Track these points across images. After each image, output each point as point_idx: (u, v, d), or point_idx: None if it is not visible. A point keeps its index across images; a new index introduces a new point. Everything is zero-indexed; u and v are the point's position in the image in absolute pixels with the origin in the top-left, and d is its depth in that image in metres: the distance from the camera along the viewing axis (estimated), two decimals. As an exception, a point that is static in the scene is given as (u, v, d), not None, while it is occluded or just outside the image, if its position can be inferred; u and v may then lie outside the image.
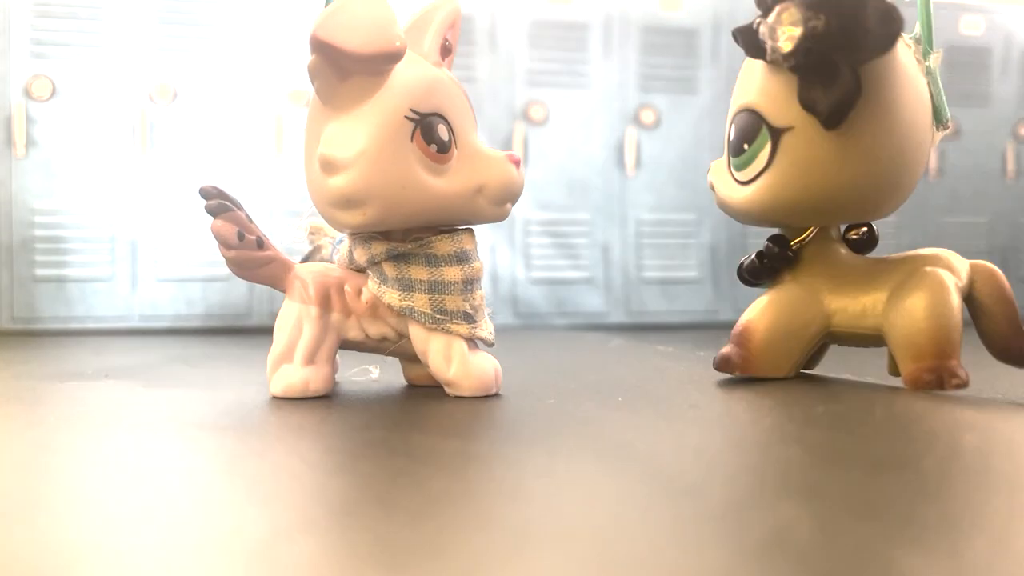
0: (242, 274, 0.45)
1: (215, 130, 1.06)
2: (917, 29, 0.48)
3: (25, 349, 0.79)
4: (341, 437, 0.35)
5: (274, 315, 0.45)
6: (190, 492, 0.26)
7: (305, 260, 0.48)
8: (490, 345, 0.46)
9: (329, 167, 0.41)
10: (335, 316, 0.44)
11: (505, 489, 0.26)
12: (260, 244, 0.44)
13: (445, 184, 0.43)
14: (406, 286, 0.44)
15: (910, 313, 0.45)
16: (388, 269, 0.44)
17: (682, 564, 0.19)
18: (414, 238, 0.44)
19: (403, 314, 0.44)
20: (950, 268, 0.47)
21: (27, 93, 1.02)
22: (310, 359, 0.44)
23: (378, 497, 0.25)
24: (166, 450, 0.32)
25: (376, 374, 0.52)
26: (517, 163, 0.45)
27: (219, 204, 0.44)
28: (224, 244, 0.44)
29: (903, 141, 0.46)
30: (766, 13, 0.44)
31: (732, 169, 0.50)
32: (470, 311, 0.44)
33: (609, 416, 0.39)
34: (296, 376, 0.44)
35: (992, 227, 1.28)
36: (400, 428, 0.37)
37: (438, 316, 0.43)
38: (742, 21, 0.46)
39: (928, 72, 0.47)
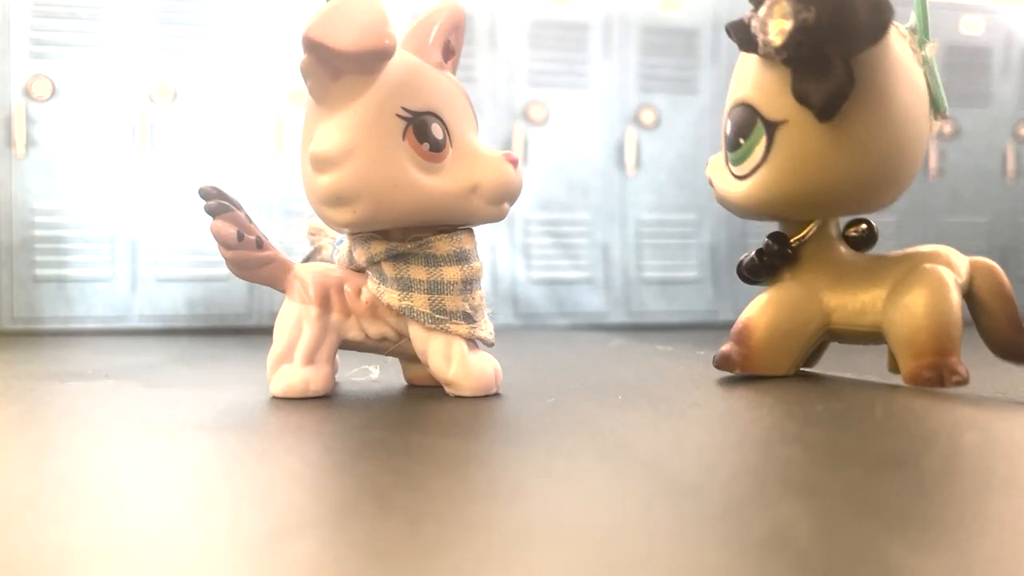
0: (242, 274, 0.45)
1: (215, 130, 1.06)
2: (912, 19, 0.48)
3: (25, 349, 0.79)
4: (341, 437, 0.35)
5: (274, 315, 0.45)
6: (190, 492, 0.26)
7: (306, 261, 0.48)
8: (490, 345, 0.46)
9: (319, 164, 0.41)
10: (335, 316, 0.44)
11: (505, 489, 0.26)
12: (260, 244, 0.44)
13: (439, 183, 0.43)
14: (405, 286, 0.44)
15: (910, 310, 0.45)
16: (387, 269, 0.44)
17: (682, 564, 0.19)
18: (413, 238, 0.44)
19: (402, 314, 0.44)
20: (950, 265, 0.47)
21: (27, 93, 1.02)
22: (310, 359, 0.44)
23: (378, 497, 0.25)
24: (166, 450, 0.32)
25: (376, 374, 0.52)
26: (515, 163, 0.45)
27: (219, 204, 0.44)
28: (224, 244, 0.44)
29: (899, 131, 0.46)
30: (757, 7, 0.44)
31: (729, 164, 0.50)
32: (469, 311, 0.44)
33: (609, 415, 0.39)
34: (296, 376, 0.44)
35: (992, 227, 1.28)
36: (400, 428, 0.37)
37: (437, 316, 0.43)
38: (742, 21, 0.46)
39: (924, 61, 0.47)
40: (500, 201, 0.45)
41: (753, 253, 0.51)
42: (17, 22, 1.02)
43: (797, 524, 0.21)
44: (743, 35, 0.45)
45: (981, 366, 0.48)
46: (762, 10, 0.44)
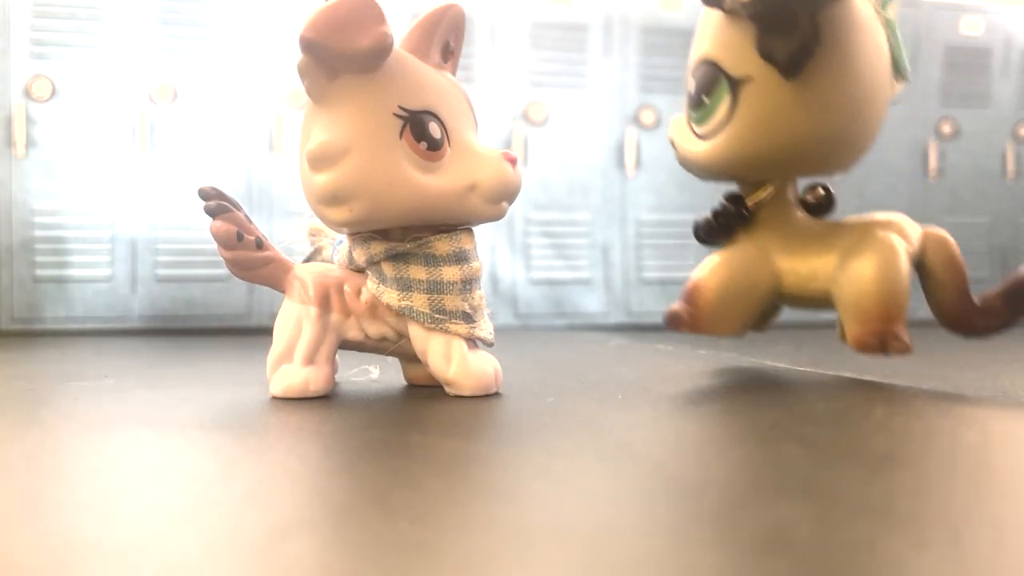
0: (241, 274, 0.45)
1: (215, 130, 1.06)
2: None
3: (25, 349, 0.79)
4: (341, 437, 0.35)
5: (274, 315, 0.45)
6: (190, 492, 0.26)
7: (306, 261, 0.48)
8: (489, 345, 0.46)
9: (316, 163, 0.41)
10: (335, 316, 0.44)
11: (505, 489, 0.26)
12: (259, 244, 0.44)
13: (436, 181, 0.43)
14: (405, 286, 0.44)
15: (859, 276, 0.45)
16: (387, 269, 0.44)
17: (682, 563, 0.19)
18: (413, 238, 0.44)
19: (402, 314, 0.44)
20: (902, 234, 0.47)
21: (27, 93, 1.02)
22: (310, 359, 0.44)
23: (378, 497, 0.25)
24: (166, 450, 0.32)
25: (376, 374, 0.52)
26: (513, 162, 0.45)
27: (218, 205, 0.44)
28: (223, 244, 0.44)
29: (862, 91, 0.45)
30: None
31: (692, 123, 0.49)
32: (469, 311, 0.44)
33: (609, 415, 0.39)
34: (296, 376, 0.44)
35: (992, 227, 1.28)
36: (400, 428, 0.37)
37: (437, 316, 0.43)
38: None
39: (887, 24, 0.47)
40: (499, 200, 0.45)
41: (709, 214, 0.51)
42: (17, 22, 1.02)
43: (797, 523, 0.21)
44: None
45: (981, 366, 0.48)
46: None
